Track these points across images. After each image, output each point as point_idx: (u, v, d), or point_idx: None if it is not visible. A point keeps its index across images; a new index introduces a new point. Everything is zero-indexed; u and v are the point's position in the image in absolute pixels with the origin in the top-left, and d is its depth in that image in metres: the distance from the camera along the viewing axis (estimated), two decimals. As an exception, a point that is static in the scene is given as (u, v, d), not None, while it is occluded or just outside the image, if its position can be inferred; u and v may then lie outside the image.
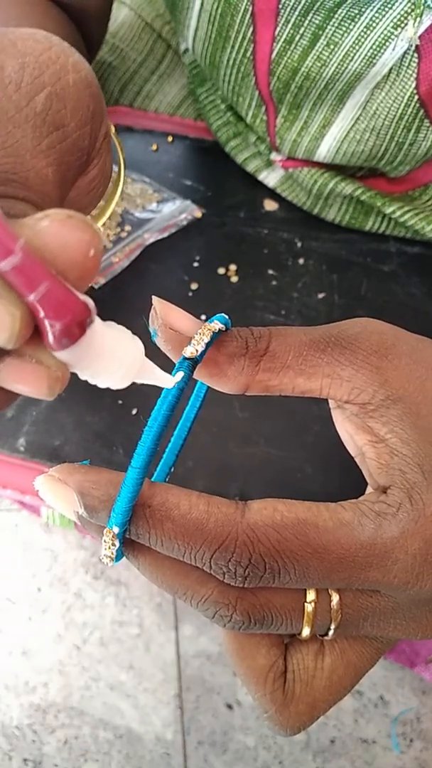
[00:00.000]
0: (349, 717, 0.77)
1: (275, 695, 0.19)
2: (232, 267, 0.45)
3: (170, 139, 0.52)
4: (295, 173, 0.46)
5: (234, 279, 0.45)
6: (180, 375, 0.17)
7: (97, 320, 0.14)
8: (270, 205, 0.49)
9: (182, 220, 0.47)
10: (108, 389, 0.16)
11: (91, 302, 0.13)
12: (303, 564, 0.16)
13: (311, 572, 0.17)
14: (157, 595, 0.85)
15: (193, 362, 0.17)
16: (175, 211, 0.47)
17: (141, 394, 0.41)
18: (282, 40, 0.36)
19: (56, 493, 0.17)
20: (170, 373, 0.17)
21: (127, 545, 0.18)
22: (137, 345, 0.16)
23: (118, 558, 0.17)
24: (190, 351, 0.17)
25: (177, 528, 0.16)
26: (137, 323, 0.42)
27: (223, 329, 0.18)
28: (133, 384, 0.15)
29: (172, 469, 0.22)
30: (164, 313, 0.19)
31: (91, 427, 0.39)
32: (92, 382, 0.15)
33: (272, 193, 0.49)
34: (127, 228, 0.46)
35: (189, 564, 0.17)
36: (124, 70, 0.53)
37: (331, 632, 0.18)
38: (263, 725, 0.78)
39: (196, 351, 0.17)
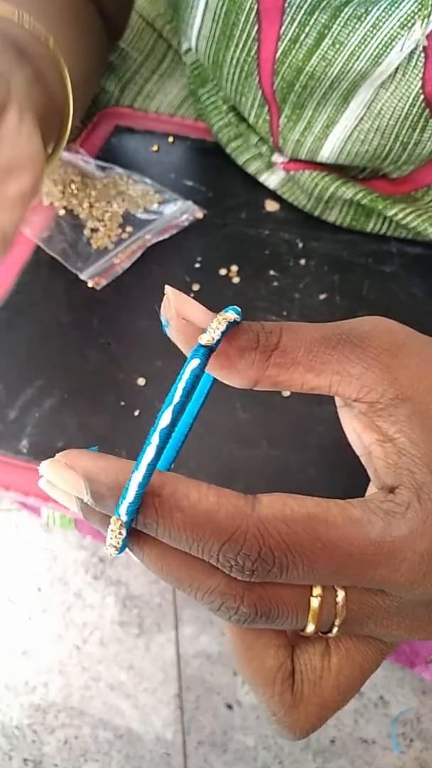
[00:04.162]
0: (349, 717, 0.77)
1: (284, 696, 0.19)
2: (234, 268, 0.45)
3: (171, 139, 0.51)
4: (297, 176, 0.46)
5: (236, 280, 0.45)
6: (196, 362, 0.17)
7: None
8: (271, 206, 0.48)
9: (184, 221, 0.47)
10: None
11: None
12: (312, 559, 0.16)
13: (319, 567, 0.16)
14: (157, 595, 0.85)
15: (209, 350, 0.17)
16: (176, 212, 0.47)
17: (143, 396, 0.41)
18: (287, 39, 0.36)
19: (62, 478, 0.17)
20: (184, 365, 0.17)
21: (131, 536, 0.17)
22: None
23: (122, 549, 0.17)
24: (206, 338, 0.17)
25: (186, 519, 0.16)
26: (139, 324, 0.42)
27: (238, 320, 0.18)
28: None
29: (172, 466, 0.22)
30: (177, 303, 0.18)
31: (94, 429, 0.38)
32: None
33: (274, 194, 0.49)
34: (129, 229, 0.46)
35: (195, 556, 0.17)
36: (125, 69, 0.53)
37: (335, 629, 0.18)
38: (263, 725, 0.77)
39: (213, 339, 0.17)
